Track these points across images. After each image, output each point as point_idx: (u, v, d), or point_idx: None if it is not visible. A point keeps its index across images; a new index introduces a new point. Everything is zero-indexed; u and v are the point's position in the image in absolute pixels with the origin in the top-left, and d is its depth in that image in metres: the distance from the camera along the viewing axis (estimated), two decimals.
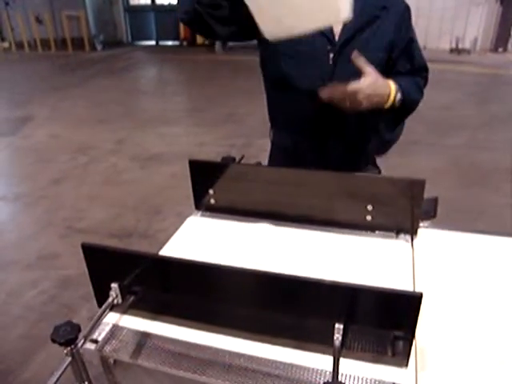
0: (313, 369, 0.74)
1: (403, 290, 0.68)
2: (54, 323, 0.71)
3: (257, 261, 1.03)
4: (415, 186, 1.05)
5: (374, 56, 1.34)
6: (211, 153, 4.55)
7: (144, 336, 0.82)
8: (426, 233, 1.15)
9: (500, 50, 11.04)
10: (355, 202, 1.13)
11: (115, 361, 0.82)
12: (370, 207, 1.12)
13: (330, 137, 1.41)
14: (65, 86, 8.17)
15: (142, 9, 13.77)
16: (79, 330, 0.71)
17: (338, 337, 0.71)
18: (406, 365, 0.73)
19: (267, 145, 1.60)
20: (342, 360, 0.70)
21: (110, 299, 0.82)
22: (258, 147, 4.34)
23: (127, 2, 13.80)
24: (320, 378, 0.72)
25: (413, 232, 1.13)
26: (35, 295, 2.59)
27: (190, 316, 0.83)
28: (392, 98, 1.27)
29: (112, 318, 0.86)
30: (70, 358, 0.71)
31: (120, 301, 0.83)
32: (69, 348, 0.70)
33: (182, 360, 0.77)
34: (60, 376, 0.68)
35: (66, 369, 0.70)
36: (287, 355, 0.77)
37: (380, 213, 1.12)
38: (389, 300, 0.69)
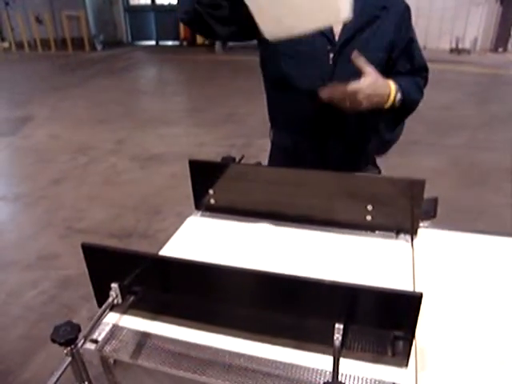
0: (313, 369, 0.74)
1: (403, 290, 0.68)
2: (54, 323, 0.71)
3: (257, 261, 1.03)
4: (415, 186, 1.05)
5: (373, 56, 1.34)
6: (211, 153, 4.55)
7: (144, 336, 0.82)
8: (426, 233, 1.15)
9: (500, 49, 11.04)
10: (355, 202, 1.13)
11: (115, 361, 0.82)
12: (370, 207, 1.12)
13: (330, 137, 1.41)
14: (65, 86, 8.18)
15: (142, 9, 13.77)
16: (79, 330, 0.71)
17: (338, 337, 0.71)
18: (406, 365, 0.73)
19: (267, 145, 1.60)
20: (342, 360, 0.70)
21: (110, 299, 0.82)
22: (258, 147, 4.34)
23: (127, 1, 13.81)
24: (320, 378, 0.72)
25: (413, 232, 1.13)
26: (35, 295, 2.59)
27: (190, 316, 0.83)
28: (392, 97, 1.28)
29: (112, 318, 0.86)
30: (69, 358, 0.71)
31: (120, 301, 0.83)
32: (69, 348, 0.70)
33: (181, 360, 0.77)
34: (60, 376, 0.68)
35: (65, 369, 0.70)
36: (287, 355, 0.77)
37: (380, 213, 1.12)
38: (389, 300, 0.69)
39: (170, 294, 0.85)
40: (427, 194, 1.08)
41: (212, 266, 0.76)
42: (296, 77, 1.37)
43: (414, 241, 1.12)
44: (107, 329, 0.84)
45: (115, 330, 0.84)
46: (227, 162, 1.27)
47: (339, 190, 1.14)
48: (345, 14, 0.97)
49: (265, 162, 1.59)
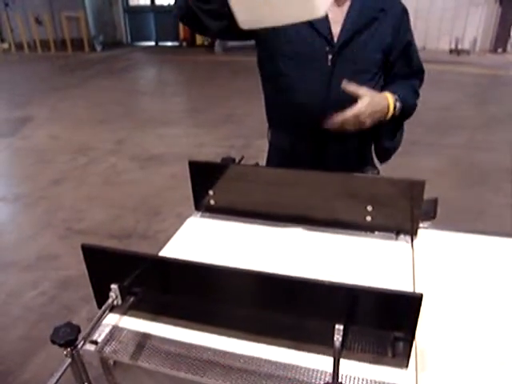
0: (313, 370, 0.74)
1: (403, 290, 0.68)
2: (54, 324, 0.71)
3: (256, 261, 1.03)
4: (415, 187, 1.05)
5: (371, 57, 1.35)
6: (211, 153, 4.55)
7: (144, 337, 0.82)
8: (426, 233, 1.15)
9: (499, 50, 11.04)
10: (355, 203, 1.13)
11: (115, 362, 0.82)
12: (369, 208, 1.12)
13: (328, 137, 1.41)
14: (64, 86, 8.17)
15: (141, 9, 13.76)
16: (79, 331, 0.71)
17: (338, 338, 0.71)
18: (406, 366, 0.73)
19: (266, 145, 1.61)
20: (342, 361, 0.70)
21: (110, 300, 0.82)
22: (258, 148, 4.34)
23: (127, 2, 13.79)
24: (320, 379, 0.72)
25: (413, 233, 1.13)
26: (35, 296, 2.59)
27: (190, 317, 0.83)
28: (392, 109, 1.32)
29: (112, 319, 0.86)
30: (69, 360, 0.71)
31: (120, 302, 0.83)
32: (68, 349, 0.70)
33: (181, 361, 0.77)
34: (60, 377, 0.68)
35: (65, 370, 0.70)
36: (287, 356, 0.77)
37: (380, 213, 1.12)
38: (389, 301, 0.69)
39: (169, 295, 0.85)
40: (427, 195, 1.08)
41: (212, 267, 0.76)
42: (294, 78, 1.37)
43: (414, 241, 1.12)
44: (107, 330, 0.84)
45: (115, 331, 0.84)
46: (227, 162, 1.27)
47: (339, 190, 1.14)
48: (320, 11, 0.96)
49: (263, 162, 1.59)
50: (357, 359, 0.75)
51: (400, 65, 1.42)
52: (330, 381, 0.67)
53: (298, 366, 0.75)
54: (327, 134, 1.40)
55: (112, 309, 0.83)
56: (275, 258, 1.06)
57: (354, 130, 1.30)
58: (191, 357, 0.78)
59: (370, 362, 0.74)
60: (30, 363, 2.11)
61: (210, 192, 1.23)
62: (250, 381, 0.73)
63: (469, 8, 10.88)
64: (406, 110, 1.38)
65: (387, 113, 1.32)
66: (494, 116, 5.95)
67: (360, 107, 1.25)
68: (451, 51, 11.03)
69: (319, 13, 0.96)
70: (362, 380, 0.72)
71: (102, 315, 0.80)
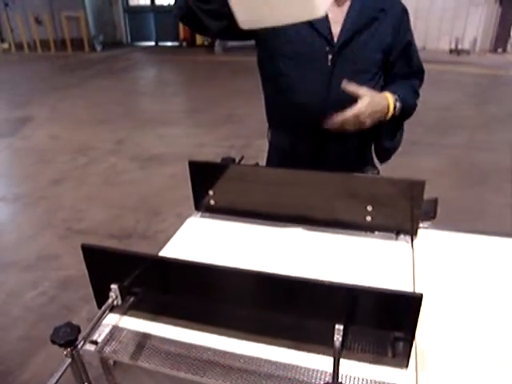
0: (313, 370, 0.74)
1: (403, 290, 0.68)
2: (54, 324, 0.71)
3: (256, 261, 1.03)
4: (415, 187, 1.05)
5: (371, 57, 1.35)
6: (211, 154, 4.55)
7: (144, 337, 0.82)
8: (426, 233, 1.15)
9: (499, 50, 11.04)
10: (355, 203, 1.13)
11: (115, 362, 0.82)
12: (369, 208, 1.12)
13: (328, 138, 1.41)
14: (64, 86, 8.17)
15: (141, 9, 13.76)
16: (79, 332, 0.71)
17: (338, 338, 0.71)
18: (406, 366, 0.72)
19: (266, 145, 1.60)
20: (342, 361, 0.70)
21: (110, 300, 0.82)
22: (258, 148, 4.33)
23: (127, 2, 13.80)
24: (320, 379, 0.72)
25: (413, 233, 1.13)
26: (35, 296, 2.59)
27: (190, 317, 0.83)
28: (392, 108, 1.32)
29: (112, 320, 0.86)
30: (69, 360, 0.71)
31: (120, 302, 0.83)
32: (69, 349, 0.70)
33: (181, 361, 0.77)
34: (60, 377, 0.68)
35: (65, 370, 0.70)
36: (287, 356, 0.77)
37: (380, 213, 1.12)
38: (389, 301, 0.69)
39: (169, 295, 0.85)
40: (427, 195, 1.08)
41: (212, 267, 0.76)
42: (294, 78, 1.37)
43: (414, 241, 1.12)
44: (107, 330, 0.84)
45: (115, 331, 0.84)
46: (227, 162, 1.27)
47: (339, 190, 1.14)
48: (320, 11, 0.95)
49: (263, 162, 1.59)
50: (357, 359, 0.75)
51: (400, 65, 1.42)
52: (330, 381, 0.67)
53: (297, 366, 0.74)
54: (327, 134, 1.40)
55: (112, 309, 0.83)
56: (275, 258, 1.06)
57: (354, 130, 1.30)
58: (191, 357, 0.78)
59: (370, 362, 0.74)
60: (29, 363, 2.11)
61: (210, 192, 1.23)
62: (250, 381, 0.73)
63: (469, 8, 10.88)
64: (406, 109, 1.38)
65: (387, 113, 1.32)
66: (494, 116, 5.95)
67: (360, 107, 1.25)
68: (451, 51, 11.03)
69: (319, 13, 0.96)
70: (362, 380, 0.72)
71: (101, 315, 0.80)
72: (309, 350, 0.77)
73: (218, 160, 1.30)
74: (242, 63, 8.70)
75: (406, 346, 0.70)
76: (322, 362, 0.74)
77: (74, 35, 12.21)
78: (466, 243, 1.14)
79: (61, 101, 7.15)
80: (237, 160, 1.31)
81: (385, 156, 1.51)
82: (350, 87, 1.26)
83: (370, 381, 0.71)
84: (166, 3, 13.23)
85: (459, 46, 11.03)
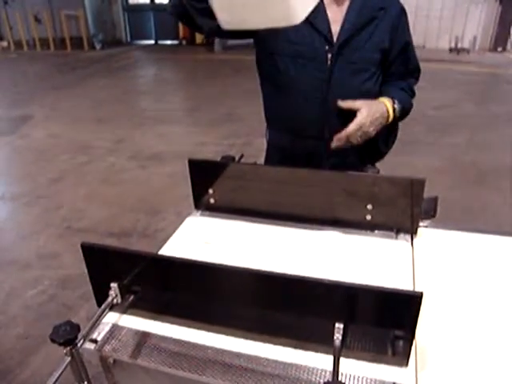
0: (313, 368, 0.74)
1: (403, 289, 0.68)
2: (54, 323, 0.71)
3: (256, 260, 1.03)
4: (415, 186, 1.05)
5: (370, 56, 1.36)
6: (210, 152, 4.55)
7: (143, 336, 0.82)
8: (426, 232, 1.15)
9: (499, 49, 11.04)
10: (355, 202, 1.13)
11: (115, 360, 0.82)
12: (369, 206, 1.12)
13: (327, 137, 1.41)
14: (64, 85, 8.17)
15: (140, 8, 13.74)
16: (79, 330, 0.71)
17: (338, 336, 0.71)
18: (406, 364, 0.72)
19: (266, 145, 1.60)
20: (342, 360, 0.69)
21: (110, 299, 0.82)
22: (258, 147, 4.33)
23: (126, 1, 13.78)
24: (320, 378, 0.72)
25: (413, 231, 1.13)
26: (34, 295, 2.59)
27: (190, 316, 0.83)
28: (391, 112, 1.35)
29: (111, 318, 0.86)
30: (69, 358, 0.71)
31: (119, 300, 0.83)
32: (68, 348, 0.70)
33: (181, 360, 0.77)
34: (59, 376, 0.68)
35: (65, 369, 0.70)
36: (287, 355, 0.76)
37: (380, 212, 1.12)
38: (389, 300, 0.69)
39: (169, 294, 0.85)
40: (426, 194, 1.08)
41: (211, 266, 0.76)
42: (293, 77, 1.37)
43: (414, 240, 1.12)
44: (107, 328, 0.84)
45: (115, 329, 0.84)
46: (227, 161, 1.27)
47: (339, 189, 1.14)
48: (297, 19, 0.96)
49: (262, 161, 1.59)
50: (357, 358, 0.75)
51: (397, 64, 1.44)
52: (330, 379, 0.67)
53: (297, 365, 0.74)
54: (326, 134, 1.40)
55: (112, 307, 0.83)
56: (275, 257, 1.06)
57: (361, 141, 1.33)
58: (191, 355, 0.77)
59: (370, 361, 0.74)
60: (29, 362, 2.11)
61: (210, 190, 1.23)
62: (250, 379, 0.73)
63: (469, 6, 10.88)
64: (404, 110, 1.41)
65: (388, 117, 1.35)
66: (494, 114, 5.95)
67: (360, 119, 1.28)
68: (451, 50, 11.02)
69: (297, 20, 0.96)
70: (362, 378, 0.72)
71: (101, 314, 0.80)
72: (309, 349, 0.77)
73: (218, 159, 1.30)
74: (242, 62, 8.69)
75: (406, 344, 0.70)
76: (322, 361, 0.74)
77: (74, 34, 12.19)
78: (466, 242, 1.14)
79: (60, 99, 7.14)
80: (236, 158, 1.31)
81: (379, 157, 1.53)
82: (346, 104, 1.32)
83: (370, 379, 0.71)
84: (165, 1, 13.21)
85: (459, 45, 11.02)
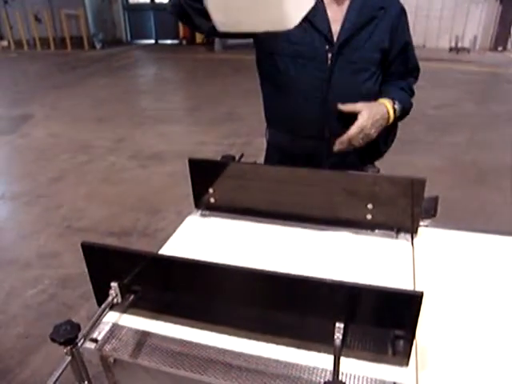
0: (313, 368, 0.73)
1: (404, 289, 0.68)
2: (54, 322, 0.71)
3: (257, 259, 1.03)
4: (415, 185, 1.05)
5: (370, 56, 1.36)
6: (211, 152, 4.55)
7: (144, 335, 0.82)
8: (427, 232, 1.15)
9: (500, 48, 11.04)
10: (355, 201, 1.12)
11: (115, 360, 0.82)
12: (370, 206, 1.12)
13: (327, 136, 1.41)
14: (64, 84, 8.16)
15: (141, 7, 13.74)
16: (79, 330, 0.71)
17: (338, 336, 0.71)
18: (407, 364, 0.72)
19: (265, 144, 1.60)
20: (342, 359, 0.69)
21: (110, 298, 0.81)
22: (258, 146, 4.33)
23: (126, 0, 13.78)
24: (321, 377, 0.72)
25: (413, 231, 1.13)
26: (34, 294, 2.59)
27: (190, 315, 0.83)
28: (392, 113, 1.35)
29: (112, 317, 0.86)
30: (69, 358, 0.71)
31: (120, 300, 0.83)
32: (68, 347, 0.70)
33: (182, 359, 0.77)
34: (60, 375, 0.68)
35: (65, 368, 0.70)
36: (288, 354, 0.76)
37: (380, 211, 1.12)
38: (389, 299, 0.69)
39: (169, 293, 0.85)
40: (427, 193, 1.08)
41: (212, 265, 0.76)
42: (294, 76, 1.37)
43: (415, 240, 1.12)
44: (107, 328, 0.84)
45: (115, 329, 0.84)
46: (227, 160, 1.27)
47: (339, 188, 1.14)
48: (291, 23, 0.96)
49: (262, 161, 1.59)
50: (357, 357, 0.75)
51: (397, 64, 1.44)
52: (331, 379, 0.67)
53: (298, 364, 0.74)
54: (326, 133, 1.40)
55: (112, 307, 0.83)
56: (275, 256, 1.06)
57: (363, 143, 1.34)
58: (191, 355, 0.77)
59: (371, 360, 0.74)
60: (29, 361, 2.11)
61: (210, 190, 1.23)
62: (251, 379, 0.73)
63: (469, 6, 10.87)
64: (404, 110, 1.41)
65: (388, 118, 1.35)
66: (494, 114, 5.95)
67: (361, 122, 1.29)
68: (451, 49, 11.02)
69: (290, 25, 0.96)
70: (363, 378, 0.71)
71: (101, 313, 0.80)
72: (309, 348, 0.77)
73: (218, 158, 1.30)
74: (242, 61, 8.68)
75: (407, 344, 0.70)
76: (322, 361, 0.74)
77: (74, 33, 12.19)
78: (467, 241, 1.14)
79: (60, 99, 7.14)
80: (237, 158, 1.31)
81: (378, 156, 1.54)
82: (347, 107, 1.32)
83: (371, 379, 0.71)
84: (165, 1, 13.20)
85: (459, 44, 11.02)
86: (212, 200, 1.25)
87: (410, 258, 1.04)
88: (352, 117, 1.31)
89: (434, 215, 1.19)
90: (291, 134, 1.47)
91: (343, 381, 0.69)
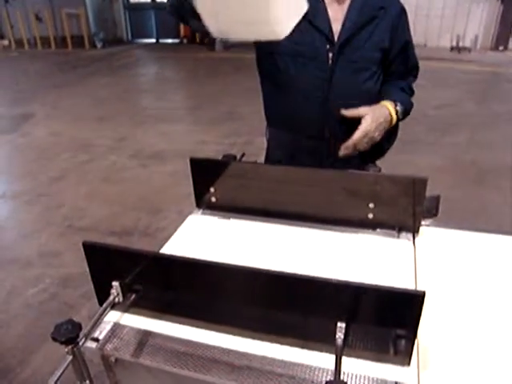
0: (315, 367, 0.73)
1: (406, 288, 0.68)
2: (55, 322, 0.71)
3: (258, 259, 1.03)
4: (417, 184, 1.05)
5: (370, 56, 1.36)
6: (212, 151, 4.55)
7: (145, 334, 0.82)
8: (428, 231, 1.15)
9: (501, 48, 11.02)
10: (357, 200, 1.12)
11: (116, 359, 0.82)
12: (371, 205, 1.11)
13: (328, 136, 1.41)
14: (65, 83, 8.16)
15: (141, 7, 13.73)
16: (80, 329, 0.71)
17: (340, 335, 0.70)
18: (408, 363, 0.72)
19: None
20: (344, 358, 0.69)
21: (111, 297, 0.81)
22: (259, 145, 4.32)
23: None
24: (322, 377, 0.72)
25: (414, 230, 1.13)
26: (36, 293, 2.59)
27: (192, 314, 0.83)
28: (394, 115, 1.35)
29: (113, 317, 0.86)
30: (70, 357, 0.71)
31: (121, 299, 0.83)
32: (70, 347, 0.70)
33: (183, 359, 0.77)
34: (61, 375, 0.68)
35: (66, 367, 0.70)
36: (290, 354, 0.76)
37: (382, 211, 1.12)
38: (391, 299, 0.69)
39: (170, 293, 0.85)
40: (428, 193, 1.08)
41: (213, 265, 0.75)
42: (294, 76, 1.37)
43: (416, 239, 1.12)
44: (108, 327, 0.84)
45: (116, 328, 0.84)
46: (228, 160, 1.27)
47: (340, 187, 1.14)
48: (281, 34, 0.96)
49: (262, 160, 1.59)
50: (359, 357, 0.75)
51: (397, 63, 1.45)
52: (332, 378, 0.67)
53: (300, 364, 0.74)
54: (326, 132, 1.40)
55: (113, 306, 0.83)
56: (276, 256, 1.06)
57: (368, 147, 1.34)
58: (195, 354, 0.77)
59: (372, 360, 0.74)
60: (30, 360, 2.11)
61: (211, 189, 1.23)
62: (253, 378, 0.72)
63: (470, 5, 10.85)
64: (406, 111, 1.42)
65: (391, 120, 1.35)
66: (495, 113, 5.94)
67: (365, 126, 1.29)
68: (452, 49, 11.01)
69: (281, 36, 0.97)
70: (364, 377, 0.71)
71: (103, 312, 0.80)
72: (311, 348, 0.77)
73: (219, 157, 1.30)
74: (243, 60, 8.66)
75: (408, 343, 0.70)
76: (324, 360, 0.74)
77: (75, 32, 12.19)
78: (468, 241, 1.14)
79: (61, 98, 7.14)
80: (238, 157, 1.31)
81: (379, 155, 1.53)
82: (349, 112, 1.32)
83: (372, 378, 0.71)
84: (165, 0, 13.20)
85: (460, 44, 11.01)
86: (213, 199, 1.25)
87: (412, 258, 1.03)
88: (353, 117, 1.31)
89: (435, 214, 1.19)
90: (291, 133, 1.47)
91: (345, 380, 0.69)
